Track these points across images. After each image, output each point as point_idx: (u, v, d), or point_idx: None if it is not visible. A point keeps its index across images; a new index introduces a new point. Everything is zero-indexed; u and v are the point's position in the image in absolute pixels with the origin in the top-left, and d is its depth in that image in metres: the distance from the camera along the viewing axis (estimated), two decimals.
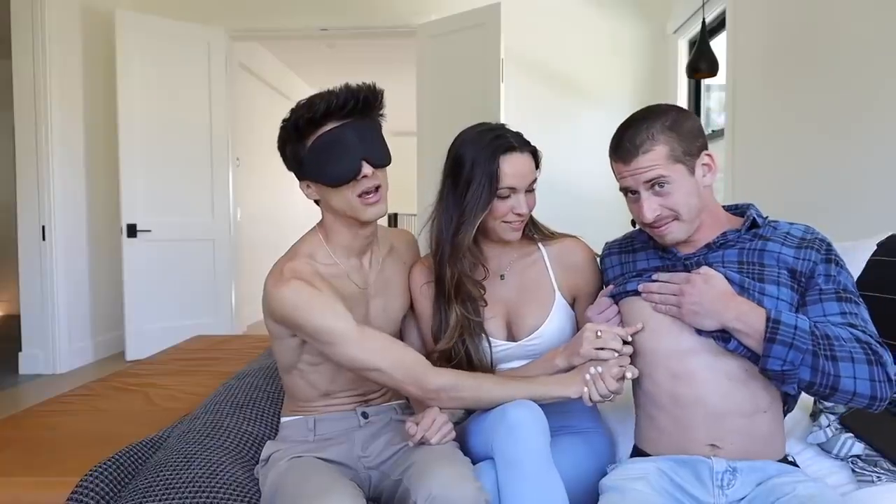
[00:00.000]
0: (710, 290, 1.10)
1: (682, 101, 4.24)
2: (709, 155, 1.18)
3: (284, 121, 1.19)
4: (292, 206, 6.32)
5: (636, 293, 1.21)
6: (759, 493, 1.05)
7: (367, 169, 1.18)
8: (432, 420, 1.18)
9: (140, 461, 1.34)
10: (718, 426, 1.11)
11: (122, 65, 3.96)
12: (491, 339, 1.34)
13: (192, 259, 4.25)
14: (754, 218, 1.21)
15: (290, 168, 1.24)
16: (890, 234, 1.72)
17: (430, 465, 1.08)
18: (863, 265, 1.72)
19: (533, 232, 1.41)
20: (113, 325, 4.25)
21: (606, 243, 1.41)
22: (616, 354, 1.17)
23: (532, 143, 1.34)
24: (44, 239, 3.80)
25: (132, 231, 4.01)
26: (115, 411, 1.75)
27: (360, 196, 1.20)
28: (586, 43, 4.42)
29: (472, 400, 1.21)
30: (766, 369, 1.05)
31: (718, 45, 3.56)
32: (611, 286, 1.28)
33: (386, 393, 1.36)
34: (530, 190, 1.31)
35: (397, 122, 11.35)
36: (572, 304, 1.39)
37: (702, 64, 3.37)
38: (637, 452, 1.24)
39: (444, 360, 1.34)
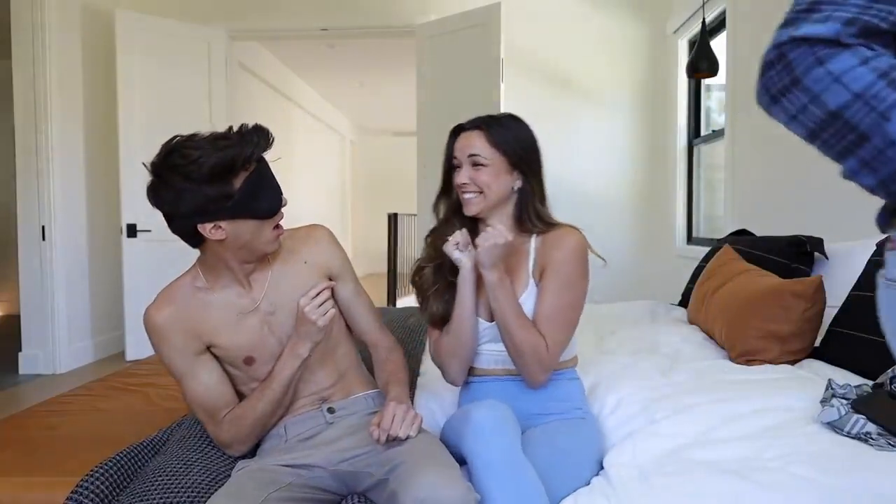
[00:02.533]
0: None
1: (682, 101, 4.24)
2: None
3: (191, 164, 1.14)
4: (292, 204, 6.31)
5: None
6: None
7: (284, 199, 1.29)
8: (391, 416, 1.18)
9: (140, 463, 1.34)
10: None
11: (122, 65, 3.96)
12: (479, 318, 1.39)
13: (192, 259, 4.19)
14: None
15: (201, 210, 1.17)
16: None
17: (417, 466, 1.07)
18: (862, 265, 1.73)
19: (533, 224, 1.41)
20: (113, 325, 4.25)
21: None
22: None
23: (486, 120, 1.41)
24: (44, 239, 3.80)
25: (132, 231, 4.01)
26: (114, 411, 1.74)
27: (275, 228, 1.28)
28: (586, 43, 4.42)
29: (253, 421, 1.28)
30: None
31: (718, 44, 3.56)
32: None
33: (343, 388, 1.37)
34: (476, 165, 1.36)
35: (397, 122, 11.41)
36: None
37: (702, 64, 3.37)
38: None
39: (440, 322, 1.40)
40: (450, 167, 1.42)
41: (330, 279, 1.40)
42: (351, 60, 6.86)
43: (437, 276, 1.41)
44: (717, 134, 3.77)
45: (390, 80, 7.60)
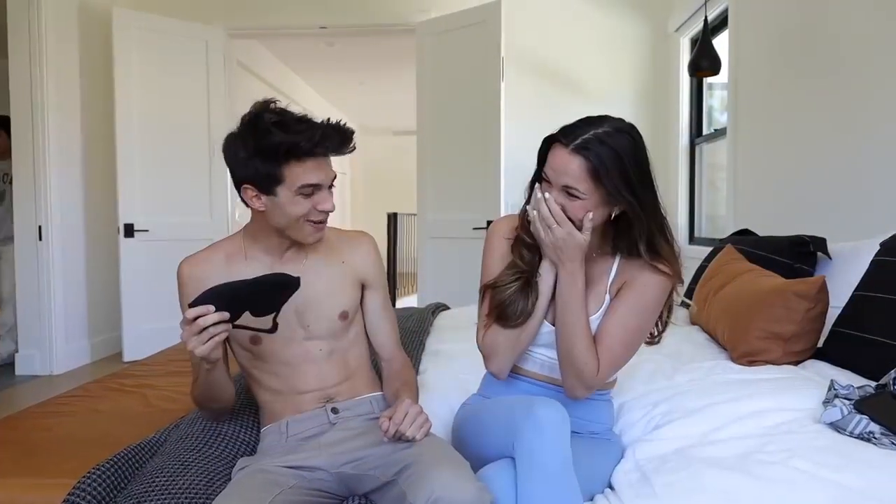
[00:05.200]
0: None
1: (684, 99, 4.23)
2: None
3: (254, 138, 1.22)
4: None
5: None
6: None
7: (332, 205, 1.32)
8: (404, 413, 1.17)
9: (137, 464, 1.33)
10: None
11: (120, 63, 3.95)
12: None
13: None
14: None
15: (250, 179, 1.26)
16: (893, 233, 1.71)
17: (429, 467, 1.06)
18: (866, 265, 1.72)
19: (627, 250, 1.28)
20: (110, 325, 4.23)
21: None
22: None
23: (589, 139, 1.19)
24: (40, 239, 3.78)
25: (129, 231, 4.00)
26: (112, 412, 1.73)
27: (315, 223, 1.29)
28: (588, 41, 4.41)
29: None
30: None
31: (720, 43, 3.55)
32: None
33: (350, 387, 1.37)
34: (570, 194, 1.19)
35: (397, 121, 11.39)
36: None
37: (704, 62, 3.36)
38: None
39: (498, 313, 1.29)
40: (539, 171, 1.27)
41: (363, 286, 1.43)
42: (351, 59, 6.85)
43: (525, 288, 1.29)
44: (719, 133, 3.76)
45: (390, 78, 7.59)
